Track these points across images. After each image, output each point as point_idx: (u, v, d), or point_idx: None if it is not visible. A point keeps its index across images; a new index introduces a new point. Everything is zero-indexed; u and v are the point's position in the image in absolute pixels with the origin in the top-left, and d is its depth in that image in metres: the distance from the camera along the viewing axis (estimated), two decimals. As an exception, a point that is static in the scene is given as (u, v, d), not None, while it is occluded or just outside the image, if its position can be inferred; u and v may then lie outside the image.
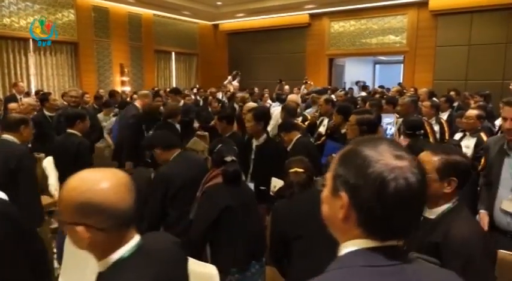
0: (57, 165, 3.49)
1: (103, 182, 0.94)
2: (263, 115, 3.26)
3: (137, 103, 4.79)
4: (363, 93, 9.19)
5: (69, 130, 3.45)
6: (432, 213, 1.57)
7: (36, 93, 7.93)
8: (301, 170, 2.06)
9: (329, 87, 9.67)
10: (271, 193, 2.88)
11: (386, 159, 0.68)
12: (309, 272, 2.02)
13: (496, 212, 2.27)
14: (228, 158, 2.23)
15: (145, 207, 2.47)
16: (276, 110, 5.51)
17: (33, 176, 2.85)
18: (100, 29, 10.45)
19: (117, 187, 0.96)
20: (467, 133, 3.76)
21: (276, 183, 2.81)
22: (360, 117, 2.68)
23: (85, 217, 0.92)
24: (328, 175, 0.77)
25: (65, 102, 6.09)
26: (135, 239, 1.01)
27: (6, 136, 2.78)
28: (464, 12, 9.15)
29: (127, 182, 0.99)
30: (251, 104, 4.47)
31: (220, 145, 2.32)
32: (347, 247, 0.72)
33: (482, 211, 2.40)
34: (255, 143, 3.27)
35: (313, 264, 1.82)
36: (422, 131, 3.48)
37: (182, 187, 2.42)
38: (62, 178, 3.24)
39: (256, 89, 9.28)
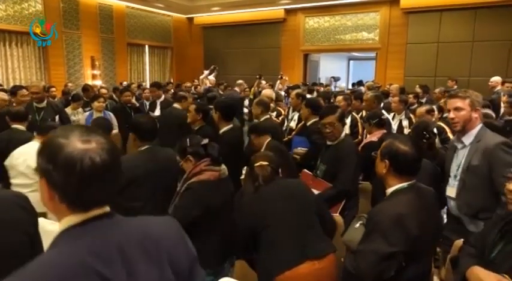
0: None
1: None
2: (200, 108, 3.74)
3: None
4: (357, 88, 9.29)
5: None
6: (386, 193, 1.74)
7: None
8: (265, 163, 2.08)
9: (307, 83, 9.74)
10: None
11: (74, 144, 0.81)
12: (276, 261, 2.04)
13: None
14: (205, 140, 2.22)
15: None
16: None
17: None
18: (69, 20, 10.07)
19: None
20: None
21: None
22: (335, 117, 2.86)
23: None
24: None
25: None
26: None
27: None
28: (434, 10, 9.43)
29: None
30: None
31: (186, 138, 2.29)
32: (61, 226, 0.84)
33: None
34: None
35: (281, 252, 1.85)
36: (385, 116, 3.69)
37: (134, 180, 2.26)
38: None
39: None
